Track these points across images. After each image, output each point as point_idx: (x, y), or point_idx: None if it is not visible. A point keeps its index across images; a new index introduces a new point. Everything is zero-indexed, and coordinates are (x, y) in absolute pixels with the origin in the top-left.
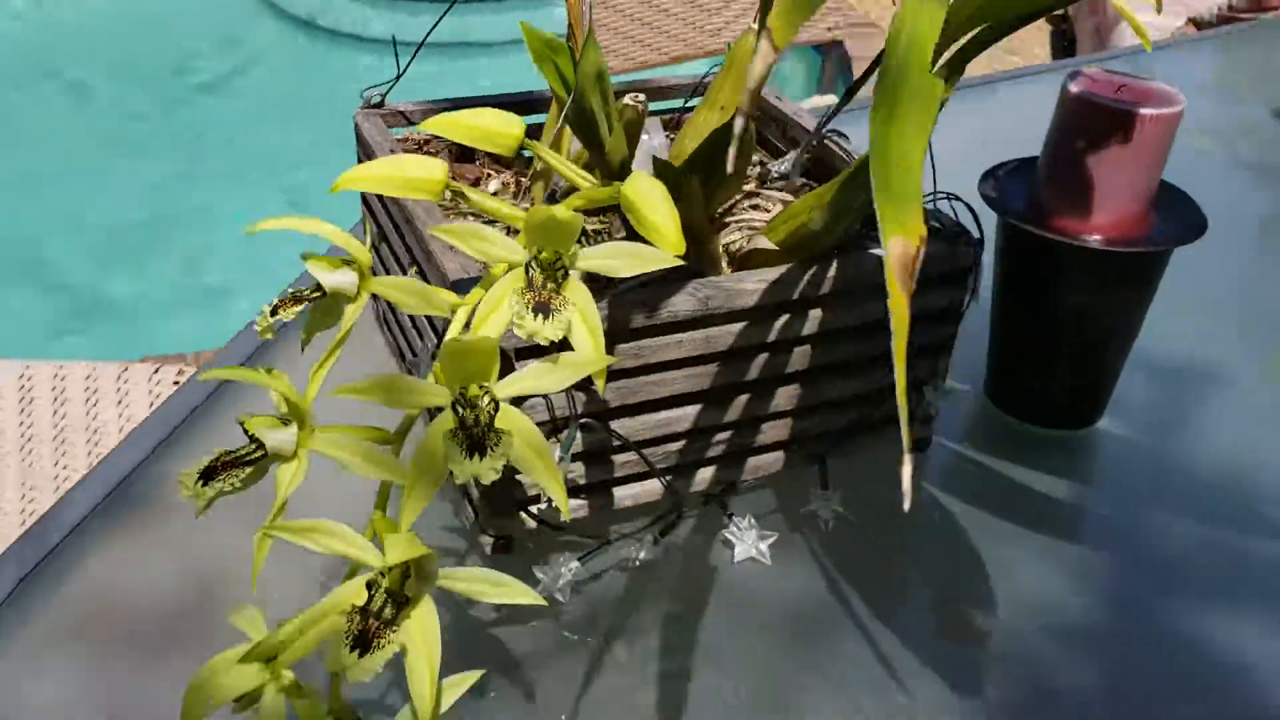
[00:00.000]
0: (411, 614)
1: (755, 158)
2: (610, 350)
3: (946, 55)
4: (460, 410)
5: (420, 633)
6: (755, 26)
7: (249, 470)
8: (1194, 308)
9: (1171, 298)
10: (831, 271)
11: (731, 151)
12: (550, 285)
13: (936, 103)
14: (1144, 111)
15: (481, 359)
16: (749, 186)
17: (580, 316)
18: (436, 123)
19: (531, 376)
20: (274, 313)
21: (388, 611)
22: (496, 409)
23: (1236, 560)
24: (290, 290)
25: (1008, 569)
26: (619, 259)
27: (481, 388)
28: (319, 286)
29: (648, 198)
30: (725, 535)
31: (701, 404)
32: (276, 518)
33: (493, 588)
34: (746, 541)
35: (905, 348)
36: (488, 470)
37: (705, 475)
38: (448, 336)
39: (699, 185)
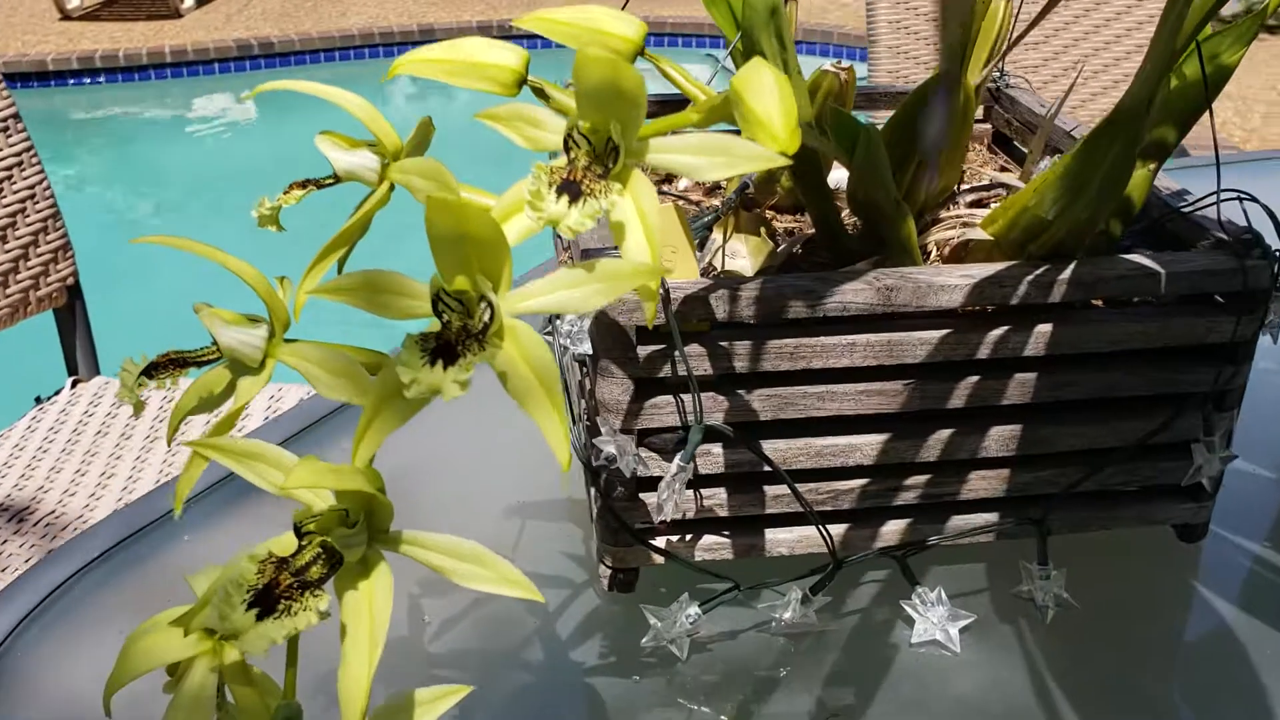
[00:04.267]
0: (357, 581)
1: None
2: (760, 346)
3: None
4: (443, 309)
5: (360, 608)
6: None
7: (208, 377)
8: None
9: None
10: (1067, 274)
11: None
12: (592, 165)
13: None
14: None
15: (482, 247)
16: (977, 181)
17: (637, 216)
18: (405, 62)
19: (553, 286)
20: (148, 373)
21: (316, 569)
22: (493, 315)
23: None
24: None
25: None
26: (703, 155)
27: (479, 292)
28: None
29: (754, 84)
30: (905, 609)
31: (885, 433)
32: (220, 433)
33: (466, 565)
34: (931, 620)
35: None
36: (450, 384)
37: (889, 530)
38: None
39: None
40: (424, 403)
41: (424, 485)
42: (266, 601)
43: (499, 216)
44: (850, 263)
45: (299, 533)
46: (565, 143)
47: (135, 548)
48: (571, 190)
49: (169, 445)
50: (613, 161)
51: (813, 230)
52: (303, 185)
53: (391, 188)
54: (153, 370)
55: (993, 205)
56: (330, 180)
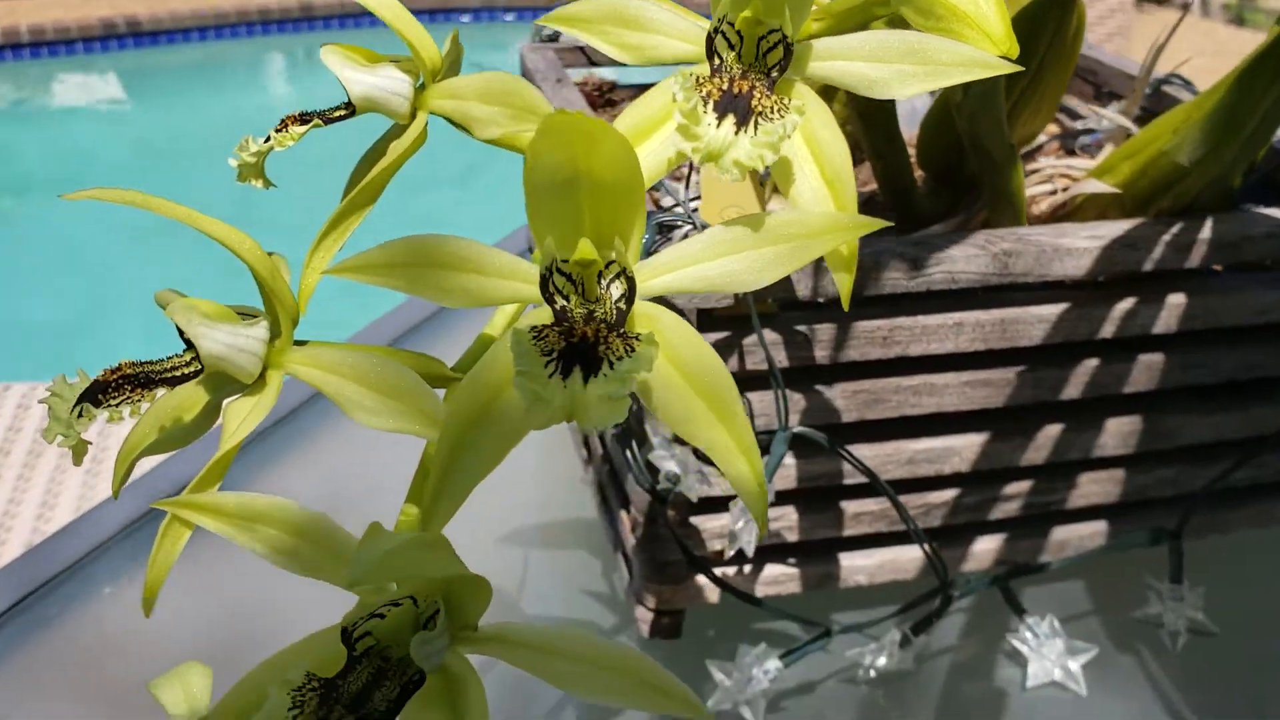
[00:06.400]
0: (438, 709)
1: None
2: (845, 329)
3: None
4: (557, 290)
5: None
6: None
7: (172, 401)
8: None
9: None
10: (1207, 233)
11: None
12: (751, 73)
13: None
14: None
15: (604, 193)
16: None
17: (809, 149)
18: (558, 15)
19: (701, 252)
20: (92, 397)
21: (381, 696)
22: (632, 295)
23: None
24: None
25: None
26: (887, 62)
27: (609, 260)
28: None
29: None
30: (1014, 644)
31: (986, 433)
32: (208, 485)
33: (600, 674)
34: (1047, 656)
35: None
36: (599, 406)
37: (987, 547)
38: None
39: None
40: (523, 434)
41: (386, 506)
42: None
43: (636, 125)
44: (919, 226)
45: (350, 642)
46: (709, 45)
47: (40, 607)
48: (738, 108)
49: (115, 496)
50: (779, 69)
51: (869, 187)
52: (301, 119)
53: (426, 122)
54: (99, 393)
55: (1049, 157)
56: (341, 112)
